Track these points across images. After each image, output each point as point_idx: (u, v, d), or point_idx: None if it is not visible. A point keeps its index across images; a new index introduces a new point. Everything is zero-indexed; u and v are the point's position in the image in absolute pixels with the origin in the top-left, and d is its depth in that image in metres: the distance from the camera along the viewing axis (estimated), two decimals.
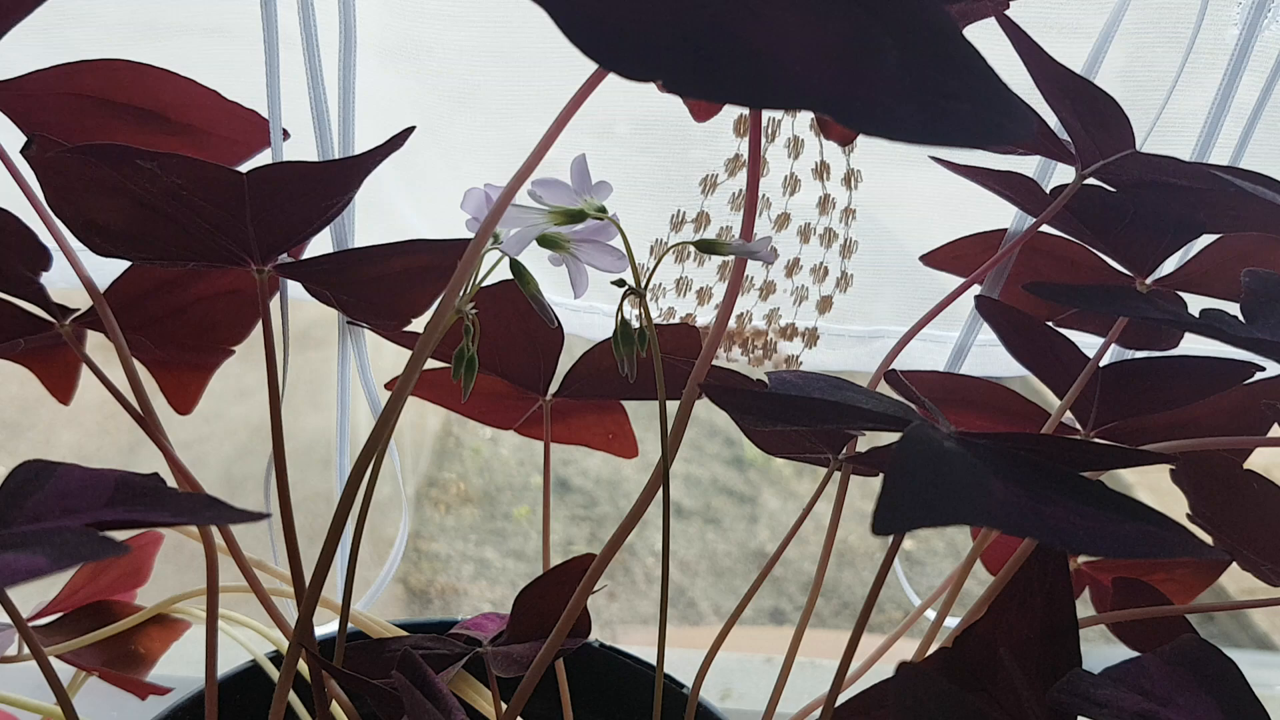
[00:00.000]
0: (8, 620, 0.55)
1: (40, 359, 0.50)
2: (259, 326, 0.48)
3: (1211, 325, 0.32)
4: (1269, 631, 1.98)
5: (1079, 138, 0.33)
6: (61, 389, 0.51)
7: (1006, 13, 0.33)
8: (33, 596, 0.57)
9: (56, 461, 0.31)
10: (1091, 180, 0.35)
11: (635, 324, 0.35)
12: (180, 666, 0.60)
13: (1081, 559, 0.50)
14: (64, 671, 0.57)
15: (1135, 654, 0.45)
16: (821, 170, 0.47)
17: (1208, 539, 0.49)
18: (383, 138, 0.35)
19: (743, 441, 2.36)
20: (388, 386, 0.51)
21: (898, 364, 0.46)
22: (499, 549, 2.24)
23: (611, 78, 0.30)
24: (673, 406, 0.36)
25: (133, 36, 0.50)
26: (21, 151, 0.37)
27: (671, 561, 2.16)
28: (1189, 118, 0.43)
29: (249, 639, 0.52)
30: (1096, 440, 0.41)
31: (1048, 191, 0.38)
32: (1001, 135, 0.24)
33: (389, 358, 0.58)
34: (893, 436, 0.34)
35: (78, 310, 0.45)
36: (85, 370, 0.46)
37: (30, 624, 0.56)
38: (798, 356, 0.52)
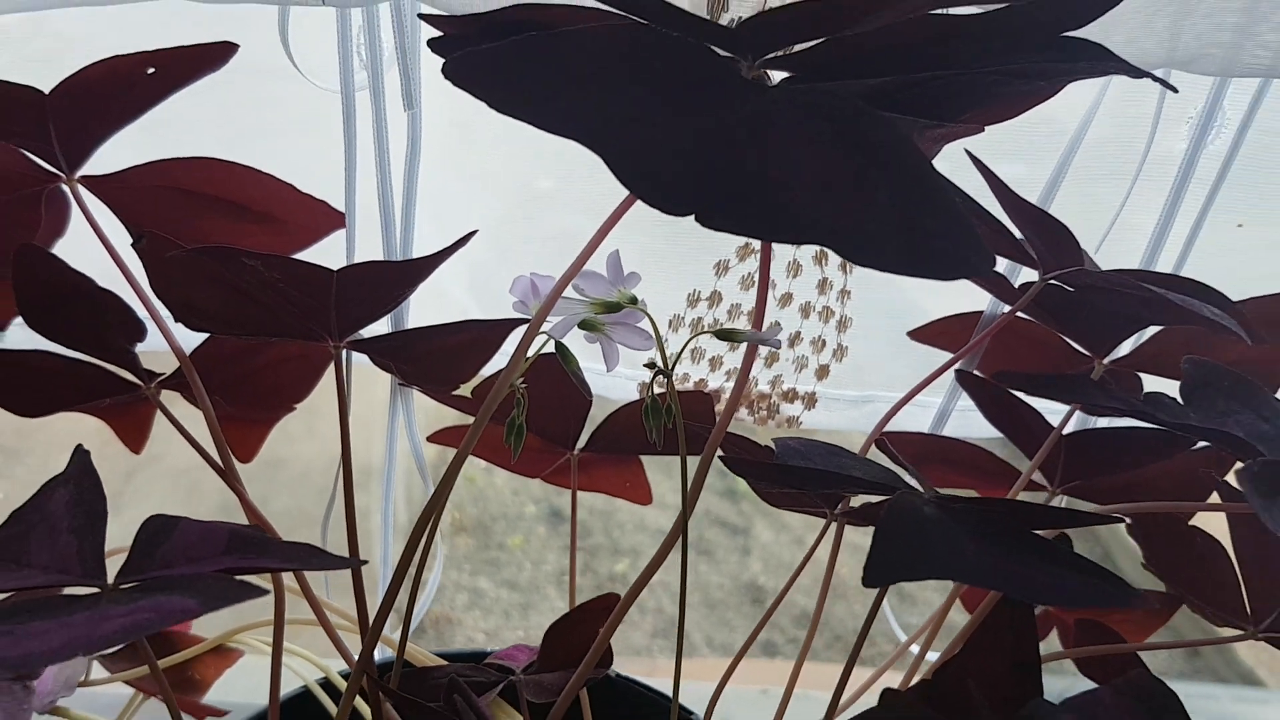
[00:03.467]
0: None
1: (118, 414, 0.55)
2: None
3: (1148, 411, 0.38)
4: (1254, 667, 2.03)
5: (1040, 251, 0.39)
6: (134, 440, 0.57)
7: (980, 155, 0.40)
8: None
9: (177, 516, 0.37)
10: (1053, 280, 0.41)
11: (663, 395, 0.41)
12: (230, 693, 0.65)
13: None
14: (124, 694, 0.63)
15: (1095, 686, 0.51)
16: (821, 256, 0.53)
17: (1161, 586, 0.54)
18: (437, 224, 0.41)
19: None
20: (431, 439, 0.56)
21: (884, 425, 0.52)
22: (493, 579, 2.26)
23: None
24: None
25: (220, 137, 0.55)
26: (133, 246, 0.43)
27: (664, 593, 2.19)
28: (1144, 217, 0.50)
29: (300, 667, 0.58)
30: (1055, 506, 0.47)
31: (1016, 285, 0.44)
32: (970, 270, 0.30)
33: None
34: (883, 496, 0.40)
35: (162, 374, 0.50)
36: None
37: (97, 654, 0.61)
38: (798, 417, 0.58)
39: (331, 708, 0.56)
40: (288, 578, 0.48)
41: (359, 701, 0.54)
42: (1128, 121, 0.48)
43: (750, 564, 2.55)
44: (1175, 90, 0.35)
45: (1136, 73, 0.34)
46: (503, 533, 2.48)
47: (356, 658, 0.45)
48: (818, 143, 0.32)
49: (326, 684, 0.57)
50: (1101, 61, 0.34)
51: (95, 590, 0.34)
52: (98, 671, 0.60)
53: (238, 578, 0.32)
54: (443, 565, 0.64)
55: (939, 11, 0.34)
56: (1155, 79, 0.34)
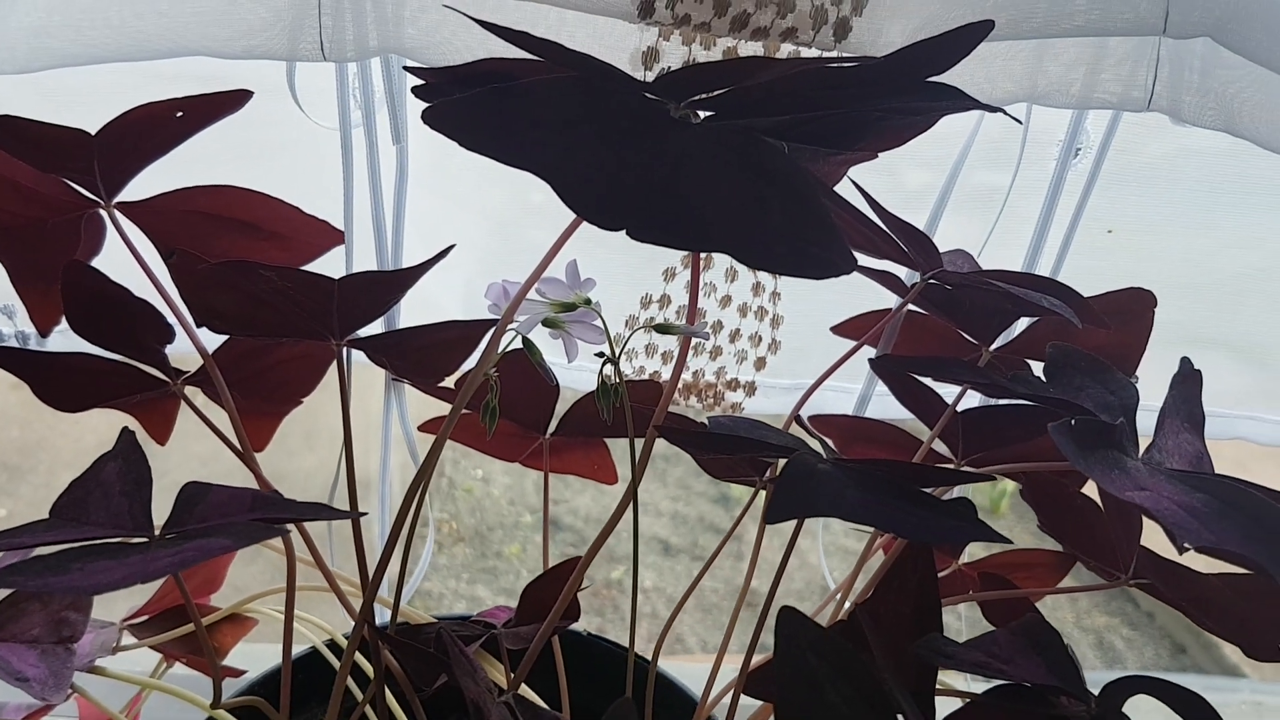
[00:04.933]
0: (110, 620, 0.68)
1: (145, 409, 0.63)
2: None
3: (1012, 387, 0.46)
4: (1239, 663, 2.10)
5: (915, 257, 0.47)
6: (160, 433, 0.64)
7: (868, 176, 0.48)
8: (126, 601, 0.70)
9: (209, 483, 0.45)
10: (935, 281, 0.49)
11: (613, 380, 0.49)
12: (244, 659, 0.73)
13: (963, 562, 0.63)
14: (151, 658, 0.70)
15: None
16: None
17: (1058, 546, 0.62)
18: (423, 242, 0.49)
19: None
20: (421, 428, 0.64)
21: (818, 409, 0.60)
22: (491, 587, 2.32)
23: None
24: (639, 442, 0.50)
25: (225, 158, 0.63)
26: (165, 261, 0.51)
27: (658, 598, 2.26)
28: (1030, 226, 0.58)
29: (307, 630, 0.66)
30: (934, 465, 0.54)
31: (910, 286, 0.52)
32: (836, 271, 0.37)
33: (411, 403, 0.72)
34: None
35: (187, 372, 0.58)
36: (79, 423, 0.58)
37: (127, 624, 0.69)
38: (740, 404, 0.66)
39: (336, 664, 0.64)
40: (299, 548, 0.56)
41: (360, 658, 0.62)
42: (1017, 142, 0.56)
43: (744, 568, 2.60)
44: (1020, 122, 0.43)
45: (989, 109, 0.43)
46: (500, 542, 2.51)
47: (359, 610, 0.53)
48: (726, 169, 0.39)
49: (331, 644, 0.65)
50: (959, 100, 0.42)
51: (144, 540, 0.41)
52: (128, 640, 0.68)
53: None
54: (433, 546, 0.72)
55: (828, 66, 0.41)
56: (1006, 114, 0.42)
